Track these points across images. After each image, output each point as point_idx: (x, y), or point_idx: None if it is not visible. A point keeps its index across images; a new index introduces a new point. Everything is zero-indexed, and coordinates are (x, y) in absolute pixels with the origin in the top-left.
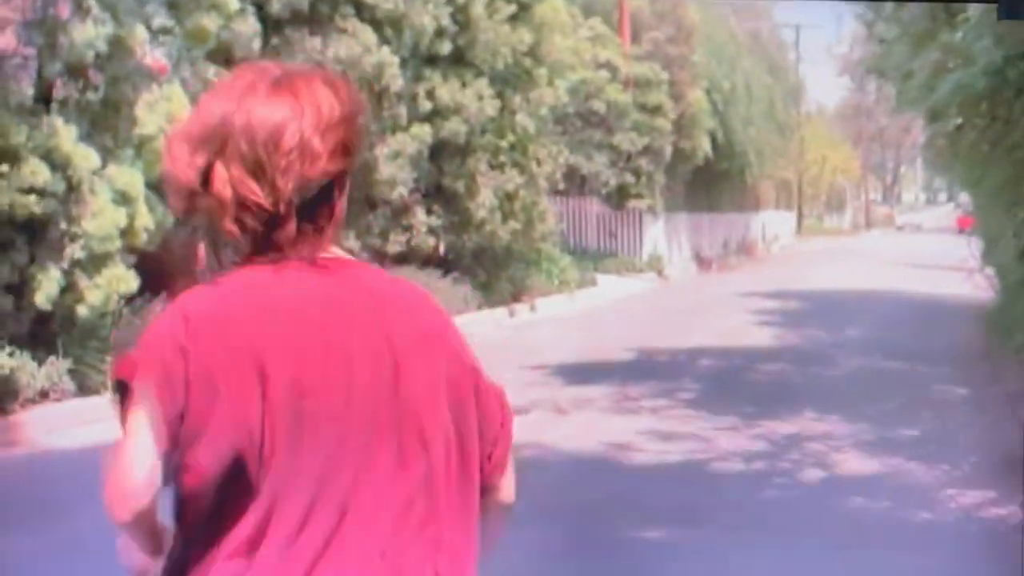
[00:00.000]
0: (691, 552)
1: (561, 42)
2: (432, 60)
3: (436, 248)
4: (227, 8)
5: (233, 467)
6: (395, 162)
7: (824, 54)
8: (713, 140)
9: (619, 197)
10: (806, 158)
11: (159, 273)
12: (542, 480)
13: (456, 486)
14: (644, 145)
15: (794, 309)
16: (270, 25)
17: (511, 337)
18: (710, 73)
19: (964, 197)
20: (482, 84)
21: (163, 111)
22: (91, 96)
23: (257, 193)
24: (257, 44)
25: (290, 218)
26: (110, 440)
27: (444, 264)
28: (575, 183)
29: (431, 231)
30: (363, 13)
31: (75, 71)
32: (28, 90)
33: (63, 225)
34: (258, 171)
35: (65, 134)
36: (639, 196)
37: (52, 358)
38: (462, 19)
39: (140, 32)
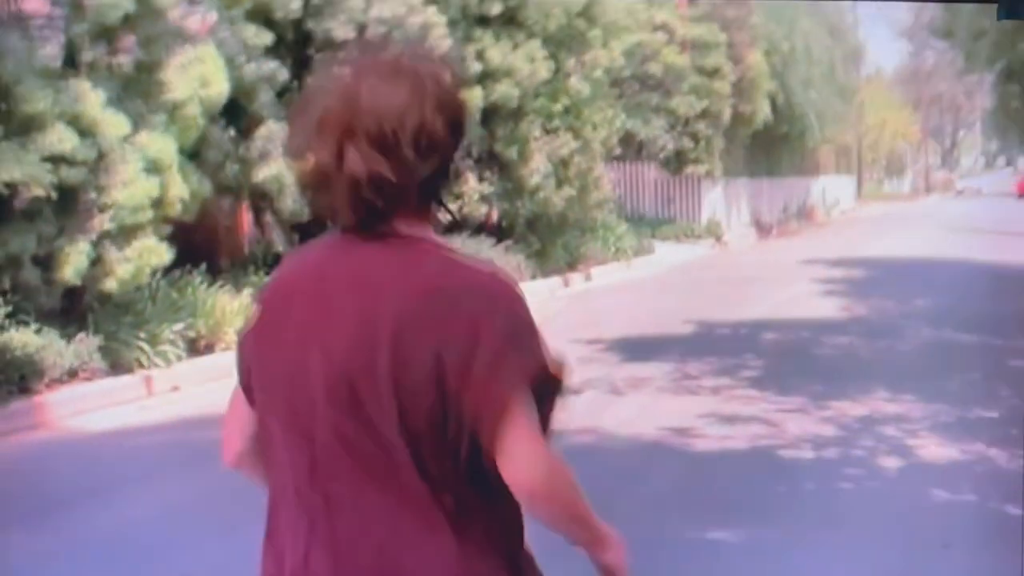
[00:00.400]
0: (762, 554)
1: (616, 3)
2: (482, 21)
3: (488, 216)
4: None
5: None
6: None
7: (882, 17)
8: (773, 103)
9: (677, 162)
10: (866, 122)
11: (199, 244)
12: (596, 470)
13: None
14: (702, 109)
15: (859, 278)
16: None
17: (565, 308)
18: (769, 35)
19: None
20: (534, 46)
21: (196, 74)
22: (121, 59)
23: (388, 170)
24: (297, 4)
25: (415, 194)
26: (139, 422)
27: (497, 232)
28: (631, 148)
29: (483, 198)
30: None
31: (103, 33)
32: (54, 52)
33: (92, 195)
34: (386, 149)
35: (93, 99)
36: (697, 161)
37: (82, 335)
38: None
39: None
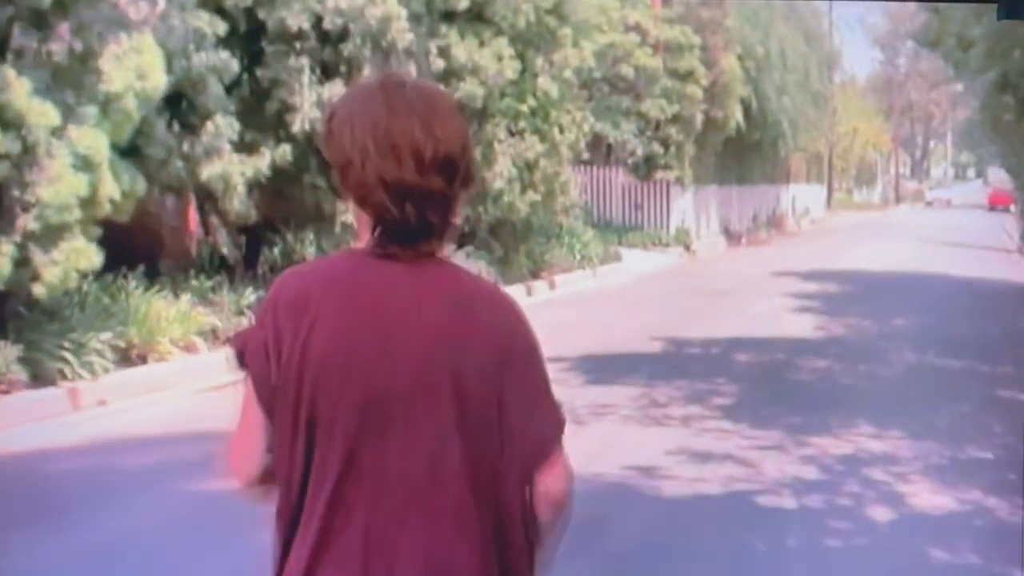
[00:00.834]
0: None
1: (587, 1)
2: (448, 16)
3: None
4: None
5: None
6: None
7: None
8: (746, 110)
9: (646, 168)
10: (837, 130)
11: (141, 245)
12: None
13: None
14: (674, 113)
15: (834, 292)
16: None
17: (529, 319)
18: (743, 39)
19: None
20: (502, 43)
21: (132, 65)
22: (53, 47)
23: (450, 190)
24: None
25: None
26: (65, 440)
27: (458, 237)
28: (600, 152)
29: None
30: None
31: (32, 18)
32: None
33: (15, 192)
34: (452, 173)
35: (19, 88)
36: (667, 167)
37: (1, 343)
38: None
39: None
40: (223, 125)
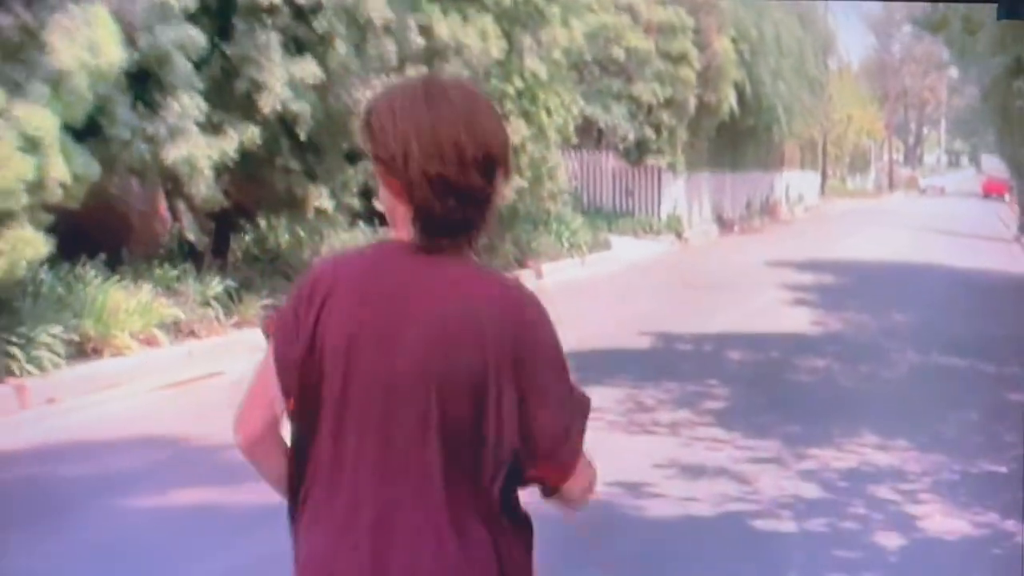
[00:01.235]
0: None
1: None
2: None
3: None
4: None
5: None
6: None
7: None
8: (740, 94)
9: (638, 152)
10: (832, 117)
11: (107, 232)
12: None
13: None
14: (667, 97)
15: (831, 285)
16: None
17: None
18: (737, 21)
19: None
20: (487, 21)
21: (84, 40)
22: (2, 20)
23: (488, 187)
24: None
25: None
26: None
27: None
28: (590, 136)
29: None
30: None
31: None
32: None
33: None
34: (490, 172)
35: None
36: (659, 152)
37: None
38: None
39: None
40: (189, 105)
